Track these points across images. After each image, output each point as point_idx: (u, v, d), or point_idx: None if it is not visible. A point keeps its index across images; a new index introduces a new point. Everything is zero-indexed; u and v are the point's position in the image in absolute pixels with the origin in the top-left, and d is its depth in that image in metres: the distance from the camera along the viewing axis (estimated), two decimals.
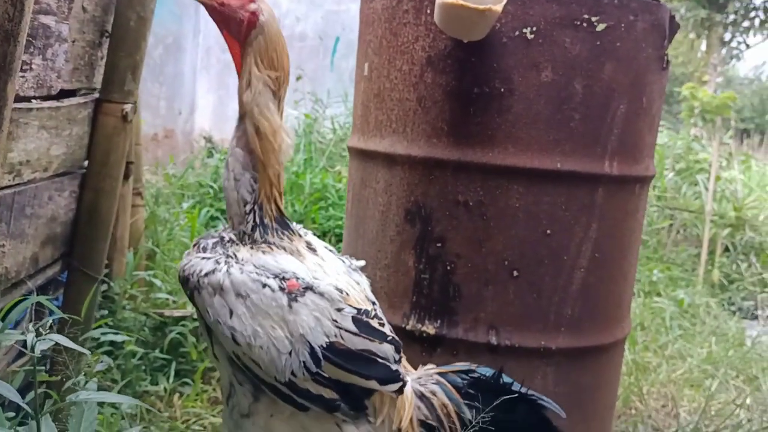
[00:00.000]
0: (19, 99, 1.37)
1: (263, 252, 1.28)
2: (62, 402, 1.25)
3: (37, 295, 1.46)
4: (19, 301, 1.37)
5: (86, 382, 1.36)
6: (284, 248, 1.30)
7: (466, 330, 1.80)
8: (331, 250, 1.44)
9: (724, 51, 16.68)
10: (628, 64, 1.75)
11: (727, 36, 16.15)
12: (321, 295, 1.25)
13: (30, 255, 1.70)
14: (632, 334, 3.37)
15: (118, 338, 1.86)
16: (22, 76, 1.28)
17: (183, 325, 2.29)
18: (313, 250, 1.37)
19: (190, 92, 7.14)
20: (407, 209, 1.86)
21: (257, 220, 1.31)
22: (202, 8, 1.31)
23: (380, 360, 1.28)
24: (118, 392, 1.87)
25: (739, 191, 6.15)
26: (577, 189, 1.78)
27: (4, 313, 1.33)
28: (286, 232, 1.33)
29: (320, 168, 4.75)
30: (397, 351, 1.33)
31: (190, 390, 2.20)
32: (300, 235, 1.37)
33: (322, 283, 1.27)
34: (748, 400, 2.74)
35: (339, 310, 1.26)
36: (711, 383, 2.94)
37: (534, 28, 1.70)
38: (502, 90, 1.72)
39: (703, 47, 17.52)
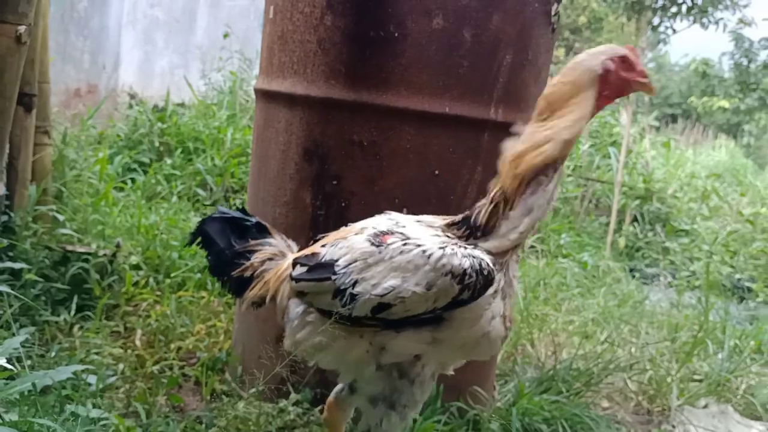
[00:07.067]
0: None
1: None
2: None
3: None
4: None
5: None
6: None
7: None
8: None
9: (651, 35, 17.20)
10: (515, 17, 1.86)
11: (656, 20, 16.67)
12: None
13: None
14: (533, 290, 3.54)
15: (16, 266, 1.86)
16: None
17: (86, 260, 2.30)
18: None
19: (115, 47, 6.94)
20: (306, 148, 1.93)
21: None
22: None
23: None
24: (16, 320, 1.88)
25: (650, 164, 6.46)
26: (464, 133, 1.89)
27: None
28: None
29: (243, 125, 4.75)
30: None
31: (91, 324, 2.22)
32: None
33: None
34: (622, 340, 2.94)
35: None
36: (601, 335, 3.13)
37: None
38: (396, 35, 1.81)
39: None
